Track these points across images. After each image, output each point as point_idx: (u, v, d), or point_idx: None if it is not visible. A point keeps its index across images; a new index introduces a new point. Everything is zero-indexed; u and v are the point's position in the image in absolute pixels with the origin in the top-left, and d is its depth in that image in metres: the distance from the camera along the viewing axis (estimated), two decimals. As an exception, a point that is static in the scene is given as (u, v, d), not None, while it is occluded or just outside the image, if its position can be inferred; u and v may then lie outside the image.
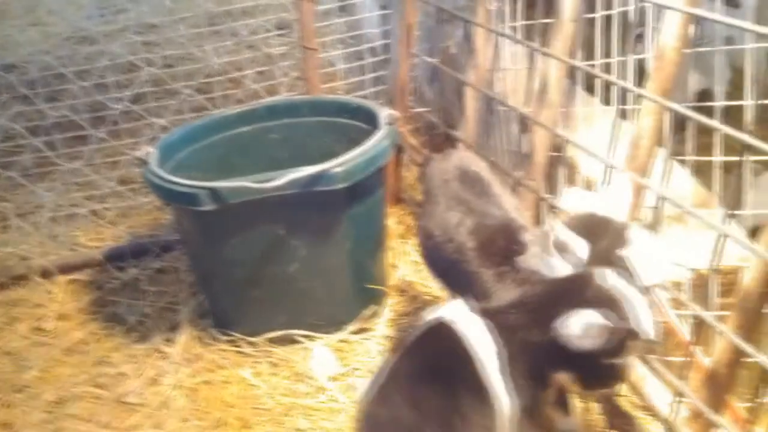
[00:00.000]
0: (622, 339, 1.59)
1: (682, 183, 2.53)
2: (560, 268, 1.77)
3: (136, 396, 2.65)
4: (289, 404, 2.57)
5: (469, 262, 2.11)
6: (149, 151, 2.69)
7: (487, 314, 1.73)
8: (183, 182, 2.48)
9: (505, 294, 1.98)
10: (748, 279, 1.71)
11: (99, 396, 2.68)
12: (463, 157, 2.57)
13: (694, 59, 2.57)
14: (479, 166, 2.49)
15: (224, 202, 2.43)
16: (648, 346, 1.68)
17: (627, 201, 1.87)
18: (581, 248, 1.77)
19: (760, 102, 1.73)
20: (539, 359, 1.68)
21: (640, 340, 1.63)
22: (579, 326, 1.57)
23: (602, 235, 1.78)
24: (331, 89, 3.93)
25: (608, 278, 1.66)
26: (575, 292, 1.67)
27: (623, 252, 1.73)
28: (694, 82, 3.14)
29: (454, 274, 2.20)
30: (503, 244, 2.08)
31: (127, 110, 3.53)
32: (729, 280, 2.32)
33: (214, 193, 2.41)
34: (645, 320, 1.63)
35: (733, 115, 2.17)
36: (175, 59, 3.82)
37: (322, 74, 4.11)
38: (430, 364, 1.73)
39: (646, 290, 1.73)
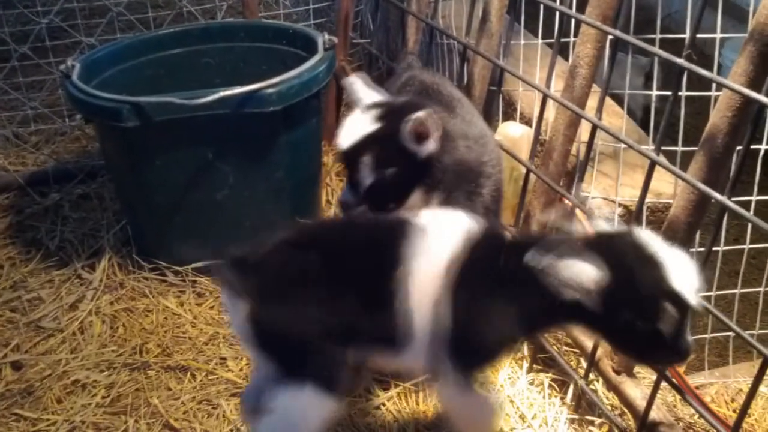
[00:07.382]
0: None
1: (615, 120, 2.52)
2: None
3: (52, 320, 2.55)
4: (213, 333, 2.50)
5: None
6: (72, 65, 2.55)
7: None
8: (105, 96, 2.35)
9: None
10: (675, 207, 1.69)
11: (12, 320, 2.56)
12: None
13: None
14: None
15: (148, 119, 2.31)
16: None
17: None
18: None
19: (698, 36, 1.69)
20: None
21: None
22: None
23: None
24: (272, 19, 3.79)
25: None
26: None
27: None
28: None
29: None
30: None
31: (54, 27, 3.33)
32: (658, 218, 2.33)
33: (138, 108, 2.29)
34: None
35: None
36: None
37: (263, 2, 3.97)
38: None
39: None
